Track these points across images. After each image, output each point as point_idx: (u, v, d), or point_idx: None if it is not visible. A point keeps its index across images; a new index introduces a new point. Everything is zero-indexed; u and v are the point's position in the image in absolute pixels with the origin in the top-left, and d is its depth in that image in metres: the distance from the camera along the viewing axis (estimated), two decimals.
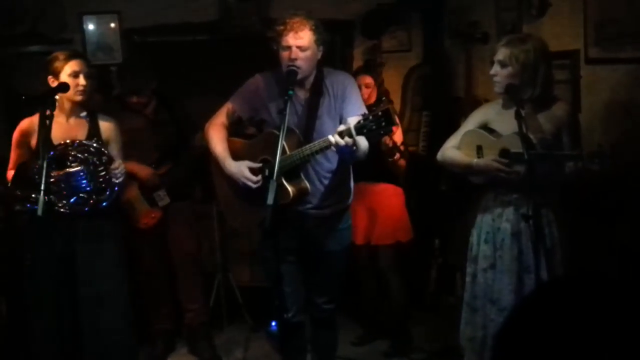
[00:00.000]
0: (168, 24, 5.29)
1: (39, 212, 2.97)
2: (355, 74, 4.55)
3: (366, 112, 3.06)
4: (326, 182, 3.47)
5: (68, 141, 3.45)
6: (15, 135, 3.55)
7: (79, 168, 3.42)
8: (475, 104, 4.60)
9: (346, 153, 3.13)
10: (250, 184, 3.36)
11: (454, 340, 3.61)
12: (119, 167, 3.47)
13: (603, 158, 2.93)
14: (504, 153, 3.22)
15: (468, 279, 3.48)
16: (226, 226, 5.25)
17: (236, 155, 3.48)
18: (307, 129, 3.37)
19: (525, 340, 1.20)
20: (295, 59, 3.28)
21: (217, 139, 3.51)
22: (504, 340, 1.26)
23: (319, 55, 3.40)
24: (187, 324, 4.66)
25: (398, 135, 4.46)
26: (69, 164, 3.42)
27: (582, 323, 1.17)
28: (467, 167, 3.39)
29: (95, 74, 3.64)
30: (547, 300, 1.26)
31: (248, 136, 3.67)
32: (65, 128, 3.53)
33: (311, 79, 3.43)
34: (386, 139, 4.25)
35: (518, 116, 3.03)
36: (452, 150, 3.48)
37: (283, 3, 5.33)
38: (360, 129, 2.95)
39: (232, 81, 3.65)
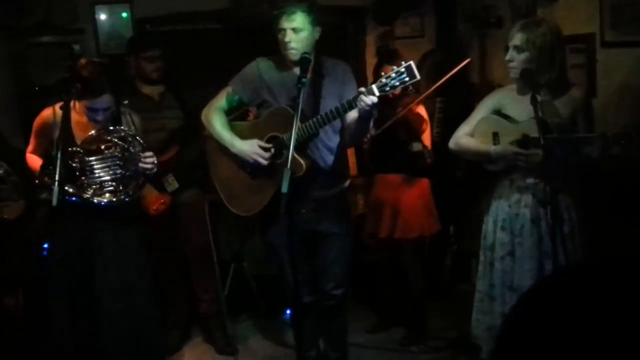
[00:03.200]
0: (179, 12, 5.28)
1: (54, 202, 2.99)
2: (379, 66, 4.50)
3: None
4: (329, 162, 3.54)
5: (101, 129, 3.43)
6: (36, 122, 3.55)
7: (112, 152, 3.40)
8: (490, 89, 4.56)
9: (367, 114, 3.19)
10: (261, 160, 3.42)
11: (470, 327, 3.58)
12: (151, 156, 3.44)
13: (629, 140, 2.89)
14: (523, 138, 3.19)
15: (482, 267, 3.46)
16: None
17: (241, 137, 3.55)
18: (313, 110, 3.44)
19: (527, 336, 1.19)
20: (289, 42, 3.38)
21: (219, 122, 3.60)
22: (508, 333, 1.24)
23: (317, 36, 3.48)
24: (202, 313, 4.67)
25: (427, 137, 4.42)
26: (103, 149, 3.41)
27: (589, 314, 1.15)
28: (484, 154, 3.35)
29: (107, 66, 3.59)
30: (548, 294, 1.24)
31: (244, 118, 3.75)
32: (86, 127, 3.49)
33: (312, 62, 3.49)
34: (417, 146, 4.25)
35: (534, 101, 3.00)
36: (466, 137, 3.45)
37: None
38: (382, 87, 3.05)
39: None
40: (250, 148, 3.45)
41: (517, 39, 3.22)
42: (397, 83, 3.02)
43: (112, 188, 3.40)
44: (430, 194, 4.55)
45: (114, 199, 3.38)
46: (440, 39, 5.63)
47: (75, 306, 3.42)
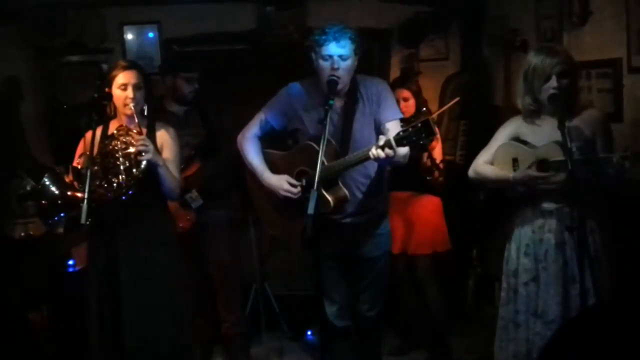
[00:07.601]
0: (207, 33, 5.35)
1: (83, 219, 3.01)
2: (392, 88, 4.53)
3: (402, 116, 3.30)
4: (363, 189, 3.50)
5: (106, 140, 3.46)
6: (80, 145, 3.57)
7: (115, 147, 3.42)
8: (514, 112, 4.55)
9: (386, 164, 3.16)
10: (290, 195, 3.41)
11: (493, 350, 3.56)
12: (142, 138, 3.39)
13: None
14: (543, 163, 3.18)
15: (505, 294, 3.42)
16: (264, 234, 5.26)
17: (273, 167, 3.53)
18: (344, 137, 3.39)
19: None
20: (337, 69, 3.30)
21: (252, 152, 3.58)
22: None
23: (356, 64, 3.41)
24: (224, 334, 4.67)
25: (438, 152, 4.45)
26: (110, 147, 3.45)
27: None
28: (504, 181, 3.34)
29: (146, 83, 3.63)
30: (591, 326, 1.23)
31: (283, 148, 3.69)
32: None
33: (347, 87, 3.44)
34: (425, 158, 4.27)
35: (561, 126, 2.99)
36: (485, 166, 3.44)
37: (321, 12, 5.36)
38: (400, 140, 2.97)
39: (270, 90, 3.65)
40: (279, 183, 3.44)
41: (560, 66, 3.18)
42: (415, 139, 2.92)
43: (124, 176, 3.38)
44: (441, 212, 4.56)
45: (131, 180, 3.36)
46: (465, 61, 5.65)
47: (106, 324, 3.42)
